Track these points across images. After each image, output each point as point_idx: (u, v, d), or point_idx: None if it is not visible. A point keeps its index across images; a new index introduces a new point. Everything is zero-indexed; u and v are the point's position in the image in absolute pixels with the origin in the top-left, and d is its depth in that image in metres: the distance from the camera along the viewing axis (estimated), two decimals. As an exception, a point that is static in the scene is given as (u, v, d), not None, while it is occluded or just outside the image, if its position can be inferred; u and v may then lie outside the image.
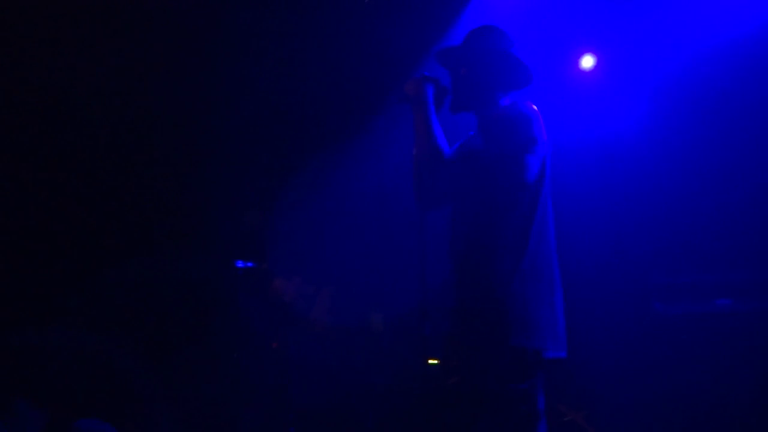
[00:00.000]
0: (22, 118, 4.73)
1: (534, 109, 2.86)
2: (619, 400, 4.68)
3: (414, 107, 2.94)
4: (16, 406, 3.95)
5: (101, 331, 4.64)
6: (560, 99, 5.02)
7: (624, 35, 5.00)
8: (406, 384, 4.57)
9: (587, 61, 5.13)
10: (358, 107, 5.11)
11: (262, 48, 5.00)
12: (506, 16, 4.66)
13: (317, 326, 4.75)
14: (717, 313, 4.63)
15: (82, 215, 4.87)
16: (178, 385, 4.81)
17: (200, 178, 5.14)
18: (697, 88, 4.92)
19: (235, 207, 5.18)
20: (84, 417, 3.88)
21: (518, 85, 3.04)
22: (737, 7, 4.74)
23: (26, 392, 3.98)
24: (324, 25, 4.96)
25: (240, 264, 4.73)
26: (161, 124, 5.00)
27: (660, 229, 4.98)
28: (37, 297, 4.66)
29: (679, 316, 4.69)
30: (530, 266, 2.77)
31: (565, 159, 4.50)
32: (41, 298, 4.66)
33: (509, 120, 2.82)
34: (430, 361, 2.81)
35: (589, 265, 4.88)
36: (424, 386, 2.78)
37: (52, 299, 4.68)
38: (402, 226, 4.46)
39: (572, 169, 4.85)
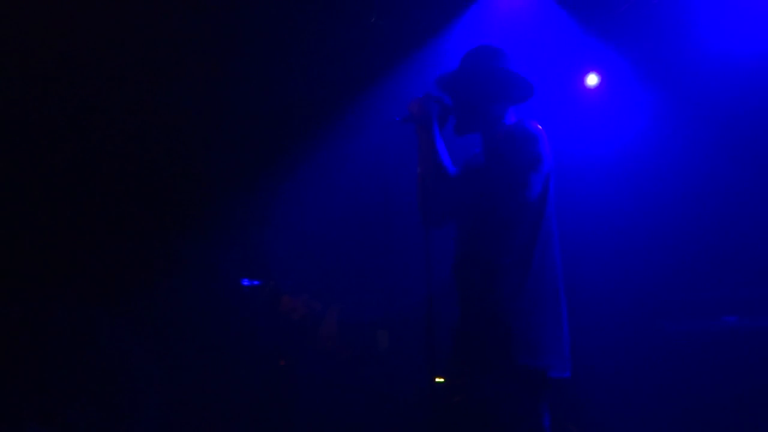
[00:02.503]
0: (29, 119, 4.78)
1: (538, 128, 2.87)
2: (627, 418, 4.66)
3: (418, 127, 2.96)
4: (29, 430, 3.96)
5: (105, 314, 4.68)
6: (565, 117, 5.04)
7: (628, 53, 5.03)
8: (412, 402, 4.56)
9: (592, 80, 5.16)
10: (357, 121, 5.13)
11: (263, 52, 5.03)
12: (511, 35, 4.70)
13: (325, 343, 4.75)
14: (724, 330, 4.62)
15: (82, 211, 4.92)
16: (182, 403, 4.82)
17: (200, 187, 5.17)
18: (702, 105, 4.94)
19: (238, 219, 5.20)
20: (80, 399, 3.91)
21: (520, 99, 3.06)
22: (741, 22, 4.76)
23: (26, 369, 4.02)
24: (323, 34, 5.00)
25: (246, 282, 4.74)
26: (164, 125, 5.02)
27: (666, 247, 4.98)
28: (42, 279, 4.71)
29: (686, 333, 4.67)
30: (534, 284, 2.77)
31: (571, 177, 4.52)
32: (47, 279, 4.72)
33: (513, 138, 2.84)
34: (436, 380, 2.82)
35: (595, 283, 4.87)
36: (429, 404, 2.78)
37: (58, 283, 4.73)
38: (407, 244, 4.48)
39: (578, 186, 4.86)
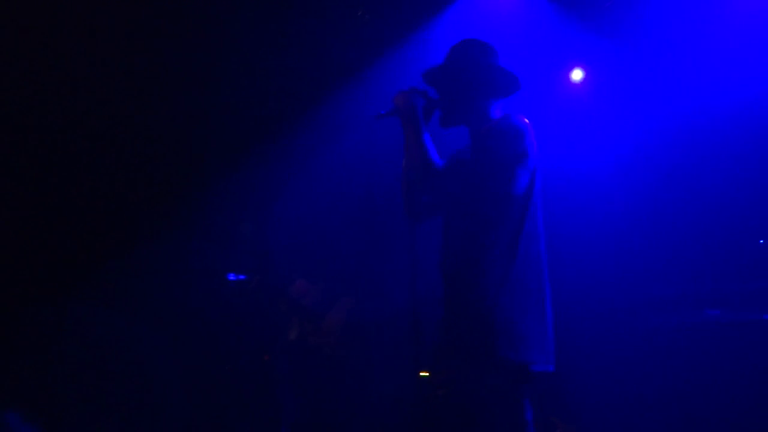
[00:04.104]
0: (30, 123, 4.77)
1: (525, 122, 2.87)
2: (611, 411, 4.69)
3: (403, 120, 2.95)
4: (7, 419, 3.95)
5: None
6: (550, 112, 5.06)
7: (613, 48, 5.04)
8: (397, 395, 4.57)
9: (577, 75, 5.17)
10: (342, 116, 5.13)
11: (249, 48, 5.02)
12: (495, 29, 4.70)
13: (329, 332, 4.74)
14: (707, 323, 4.66)
15: (82, 213, 4.93)
16: (170, 397, 4.80)
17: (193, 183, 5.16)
18: (686, 100, 4.96)
19: (229, 216, 5.19)
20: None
21: (506, 93, 3.06)
22: (728, 17, 4.79)
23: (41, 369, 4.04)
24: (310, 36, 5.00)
25: (232, 276, 4.72)
26: (163, 124, 5.01)
27: (650, 242, 5.01)
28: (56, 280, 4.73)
29: (670, 326, 4.71)
30: (518, 279, 2.77)
31: (556, 171, 4.53)
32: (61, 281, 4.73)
33: (500, 133, 2.84)
34: (421, 373, 2.82)
35: (580, 278, 4.89)
36: (414, 398, 2.79)
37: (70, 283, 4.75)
38: (393, 239, 4.48)
39: (563, 181, 4.88)
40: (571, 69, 5.18)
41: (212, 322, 5.01)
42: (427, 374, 2.88)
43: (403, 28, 4.97)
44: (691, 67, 4.92)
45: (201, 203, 5.12)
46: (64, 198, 4.88)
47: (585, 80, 5.18)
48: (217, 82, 5.05)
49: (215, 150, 5.16)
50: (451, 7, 4.89)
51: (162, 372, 4.82)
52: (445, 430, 2.78)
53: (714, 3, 4.75)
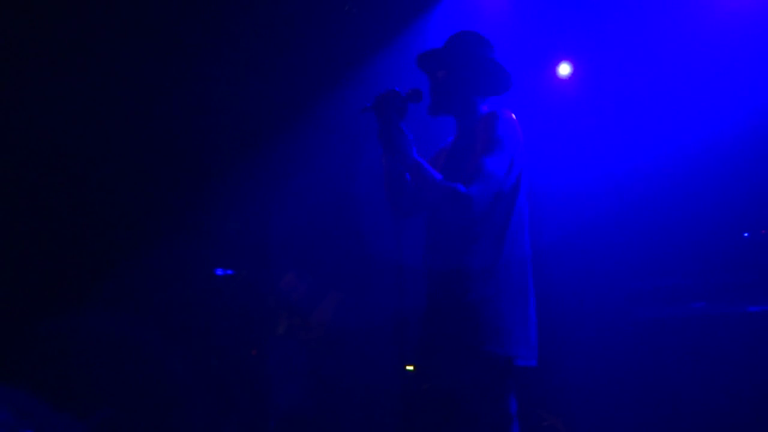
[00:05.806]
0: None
1: (513, 118, 2.88)
2: (598, 404, 4.72)
3: (380, 122, 2.87)
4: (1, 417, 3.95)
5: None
6: (537, 106, 5.07)
7: (600, 42, 5.06)
8: (384, 389, 4.58)
9: (564, 69, 5.18)
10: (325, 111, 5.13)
11: (252, 51, 5.01)
12: (484, 23, 4.71)
13: (317, 327, 4.75)
14: (692, 316, 4.70)
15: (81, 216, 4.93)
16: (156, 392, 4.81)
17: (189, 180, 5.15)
18: (673, 95, 4.99)
19: (219, 212, 5.18)
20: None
21: (498, 91, 3.06)
22: (714, 13, 4.81)
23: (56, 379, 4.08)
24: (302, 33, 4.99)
25: (219, 272, 4.72)
26: (161, 123, 5.01)
27: (635, 236, 5.04)
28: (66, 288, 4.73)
29: (656, 319, 4.74)
30: (504, 274, 2.78)
31: (543, 167, 4.55)
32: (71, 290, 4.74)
33: (488, 128, 2.84)
34: (407, 367, 2.83)
35: (566, 273, 4.92)
36: (400, 391, 2.80)
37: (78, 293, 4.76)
38: (380, 235, 4.49)
39: (550, 176, 4.90)
40: (558, 63, 5.19)
41: (199, 316, 5.01)
42: (413, 368, 2.89)
43: (393, 24, 4.96)
44: (677, 62, 4.94)
45: (195, 203, 5.11)
46: (61, 198, 4.86)
47: (572, 75, 5.18)
48: (211, 83, 5.04)
49: (210, 150, 5.15)
50: (440, 2, 4.89)
51: (150, 368, 4.82)
52: (431, 424, 2.80)
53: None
